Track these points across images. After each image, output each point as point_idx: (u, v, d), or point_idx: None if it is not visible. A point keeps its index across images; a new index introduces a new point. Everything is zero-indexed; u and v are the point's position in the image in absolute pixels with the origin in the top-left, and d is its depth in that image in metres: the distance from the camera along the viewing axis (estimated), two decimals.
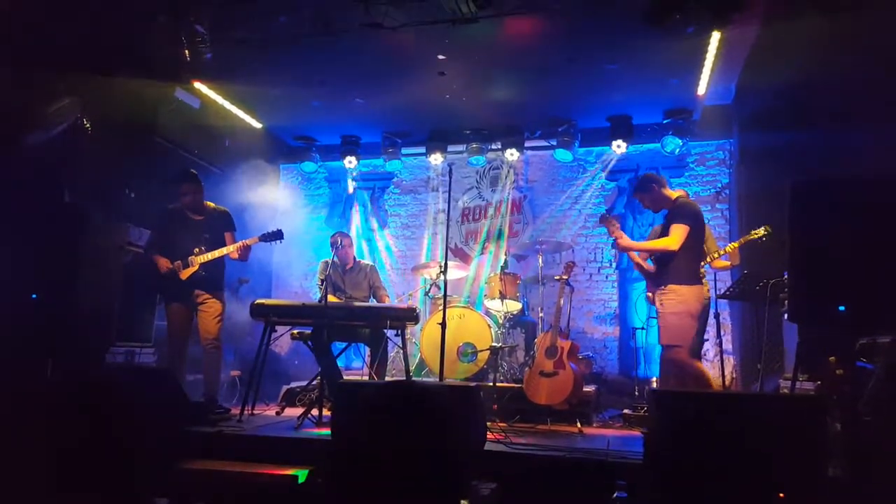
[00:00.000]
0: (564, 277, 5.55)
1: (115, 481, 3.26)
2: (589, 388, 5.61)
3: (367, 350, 5.48)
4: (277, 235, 5.10)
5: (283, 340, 5.88)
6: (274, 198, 7.96)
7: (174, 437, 3.84)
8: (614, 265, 7.67)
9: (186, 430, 4.05)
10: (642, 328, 6.55)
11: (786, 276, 4.12)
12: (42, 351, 4.07)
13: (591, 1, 4.99)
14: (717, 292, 5.20)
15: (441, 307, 4.97)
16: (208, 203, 5.24)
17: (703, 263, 4.69)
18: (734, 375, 6.55)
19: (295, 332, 5.41)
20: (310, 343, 5.15)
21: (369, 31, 5.16)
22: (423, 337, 6.19)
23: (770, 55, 5.43)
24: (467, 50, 5.70)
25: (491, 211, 8.18)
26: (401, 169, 8.35)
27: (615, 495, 3.14)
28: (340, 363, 5.47)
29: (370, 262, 6.36)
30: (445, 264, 5.16)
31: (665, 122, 7.13)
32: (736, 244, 5.24)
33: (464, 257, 8.13)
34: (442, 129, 7.88)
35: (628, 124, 7.31)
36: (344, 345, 5.48)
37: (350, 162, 8.11)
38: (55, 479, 3.19)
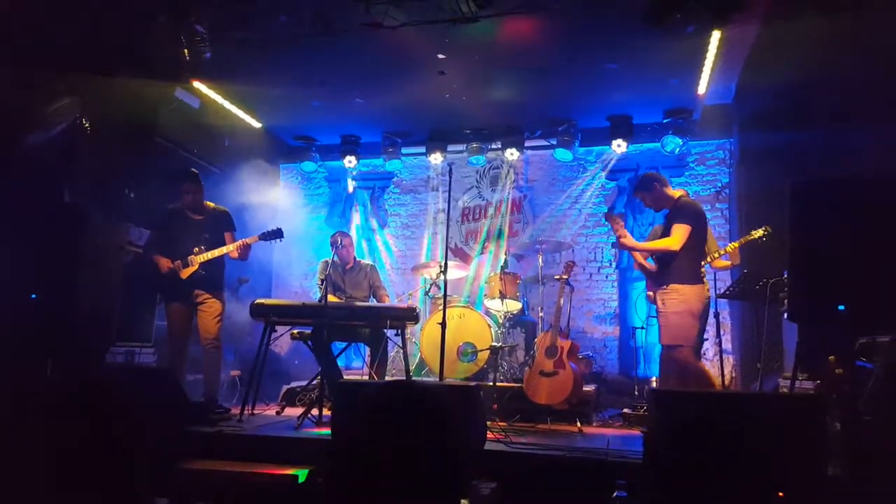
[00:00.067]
0: (564, 277, 5.55)
1: (115, 481, 3.26)
2: (589, 388, 5.61)
3: (367, 350, 5.48)
4: (277, 234, 5.10)
5: (283, 340, 5.88)
6: (274, 197, 7.96)
7: (174, 436, 3.84)
8: (614, 265, 7.67)
9: (186, 430, 4.05)
10: (642, 328, 6.56)
11: (785, 276, 4.12)
12: (42, 351, 4.07)
13: (591, 1, 4.99)
14: (717, 292, 5.21)
15: (441, 307, 4.97)
16: (208, 203, 5.24)
17: (703, 263, 4.69)
18: (734, 375, 6.55)
19: (295, 331, 5.41)
20: (310, 343, 5.15)
21: (369, 31, 5.16)
22: (423, 337, 6.19)
23: (770, 55, 5.44)
24: (467, 49, 5.70)
25: (491, 210, 8.18)
26: (401, 168, 8.35)
27: (615, 495, 3.14)
28: (340, 363, 5.47)
29: (370, 262, 6.36)
30: (445, 264, 5.16)
31: (665, 121, 7.14)
32: (736, 244, 5.24)
33: (464, 257, 8.13)
34: (442, 128, 7.88)
35: (628, 124, 7.32)
36: (344, 344, 5.48)
37: (350, 162, 8.12)
38: (55, 479, 3.19)
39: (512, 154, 7.75)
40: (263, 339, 4.92)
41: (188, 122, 6.68)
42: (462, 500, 2.97)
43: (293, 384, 6.06)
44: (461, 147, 7.95)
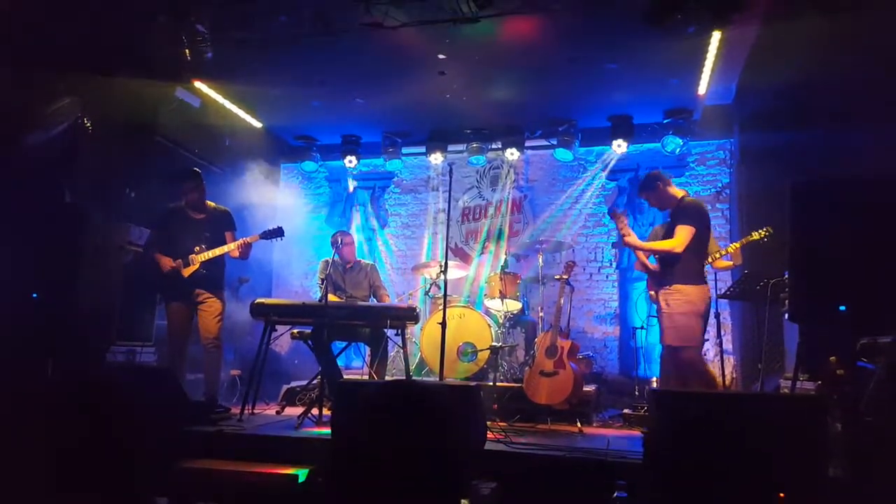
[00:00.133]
0: (565, 277, 5.55)
1: (115, 481, 3.26)
2: (589, 388, 5.61)
3: (367, 349, 5.48)
4: (278, 233, 5.10)
5: (284, 340, 5.89)
6: (274, 197, 7.96)
7: (174, 436, 3.84)
8: (614, 265, 7.67)
9: (186, 430, 4.05)
10: (642, 328, 6.56)
11: (786, 276, 4.12)
12: (42, 351, 4.07)
13: (591, 1, 4.99)
14: (718, 292, 5.21)
15: (441, 307, 4.97)
16: (209, 203, 5.24)
17: (704, 263, 4.69)
18: (734, 375, 6.55)
19: (295, 331, 5.42)
20: (310, 342, 5.15)
21: (369, 31, 5.16)
22: (424, 336, 6.19)
23: (770, 55, 5.43)
24: (468, 49, 5.70)
25: (491, 210, 8.18)
26: (401, 168, 8.35)
27: (615, 495, 3.14)
28: (340, 362, 5.47)
29: (371, 262, 6.36)
30: (445, 264, 5.17)
31: (665, 121, 7.13)
32: (737, 245, 5.24)
33: (464, 257, 8.13)
34: (442, 128, 7.88)
35: (629, 124, 7.32)
36: (344, 344, 5.48)
37: (350, 161, 8.12)
38: (55, 479, 3.19)
39: (512, 154, 7.75)
40: (263, 339, 4.93)
41: (189, 121, 6.67)
42: (462, 500, 2.96)
43: (293, 384, 6.06)
44: (461, 147, 7.95)
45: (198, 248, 5.00)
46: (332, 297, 5.26)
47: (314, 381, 5.31)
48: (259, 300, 5.06)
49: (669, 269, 4.45)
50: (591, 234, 7.84)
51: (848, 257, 3.07)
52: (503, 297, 6.15)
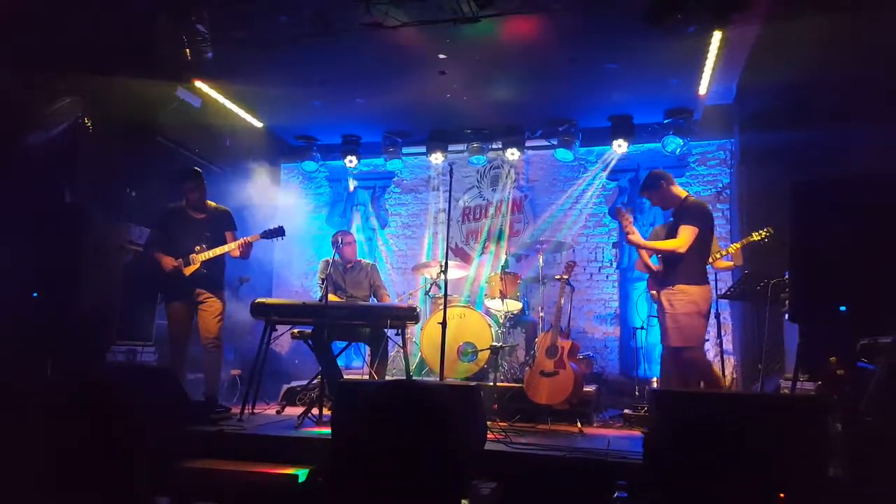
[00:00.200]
0: (565, 277, 5.55)
1: (115, 481, 3.26)
2: (589, 388, 5.61)
3: (368, 349, 5.48)
4: (279, 232, 5.10)
5: (284, 339, 5.89)
6: (275, 197, 7.97)
7: (175, 436, 3.84)
8: (615, 265, 7.67)
9: (187, 430, 4.05)
10: (643, 328, 6.56)
11: (787, 276, 4.12)
12: (42, 350, 4.07)
13: (591, 1, 4.99)
14: (718, 292, 5.20)
15: (441, 306, 4.97)
16: (210, 202, 5.24)
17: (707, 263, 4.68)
18: (735, 375, 6.55)
19: (295, 331, 5.42)
20: (310, 342, 5.15)
21: (369, 31, 5.16)
22: (424, 336, 6.19)
23: (770, 55, 5.43)
24: (468, 49, 5.70)
25: (491, 210, 8.17)
26: (401, 168, 8.35)
27: (615, 495, 3.14)
28: (340, 362, 5.47)
29: (371, 262, 6.36)
30: (446, 264, 5.16)
31: (666, 121, 7.13)
32: (738, 245, 5.23)
33: (464, 257, 8.13)
34: (442, 128, 7.88)
35: (629, 124, 7.31)
36: (344, 344, 5.48)
37: (351, 161, 8.11)
38: (55, 479, 3.19)
39: (513, 154, 7.75)
40: (264, 339, 4.93)
41: (189, 121, 6.67)
42: (462, 500, 2.97)
43: (293, 383, 6.06)
44: (462, 147, 7.95)
45: (198, 247, 4.99)
46: (332, 297, 5.26)
47: (314, 381, 5.31)
48: (259, 300, 5.06)
49: (672, 269, 4.44)
50: (591, 234, 7.83)
51: (848, 257, 3.07)
52: (503, 297, 6.14)
